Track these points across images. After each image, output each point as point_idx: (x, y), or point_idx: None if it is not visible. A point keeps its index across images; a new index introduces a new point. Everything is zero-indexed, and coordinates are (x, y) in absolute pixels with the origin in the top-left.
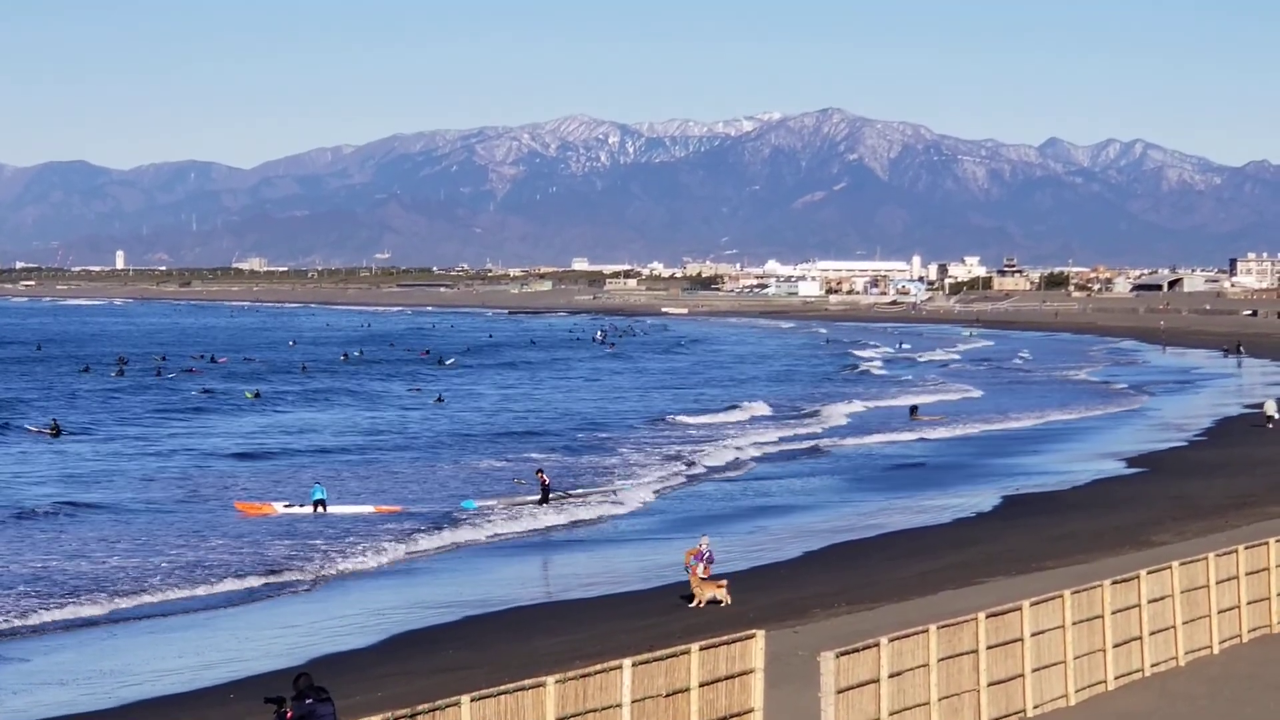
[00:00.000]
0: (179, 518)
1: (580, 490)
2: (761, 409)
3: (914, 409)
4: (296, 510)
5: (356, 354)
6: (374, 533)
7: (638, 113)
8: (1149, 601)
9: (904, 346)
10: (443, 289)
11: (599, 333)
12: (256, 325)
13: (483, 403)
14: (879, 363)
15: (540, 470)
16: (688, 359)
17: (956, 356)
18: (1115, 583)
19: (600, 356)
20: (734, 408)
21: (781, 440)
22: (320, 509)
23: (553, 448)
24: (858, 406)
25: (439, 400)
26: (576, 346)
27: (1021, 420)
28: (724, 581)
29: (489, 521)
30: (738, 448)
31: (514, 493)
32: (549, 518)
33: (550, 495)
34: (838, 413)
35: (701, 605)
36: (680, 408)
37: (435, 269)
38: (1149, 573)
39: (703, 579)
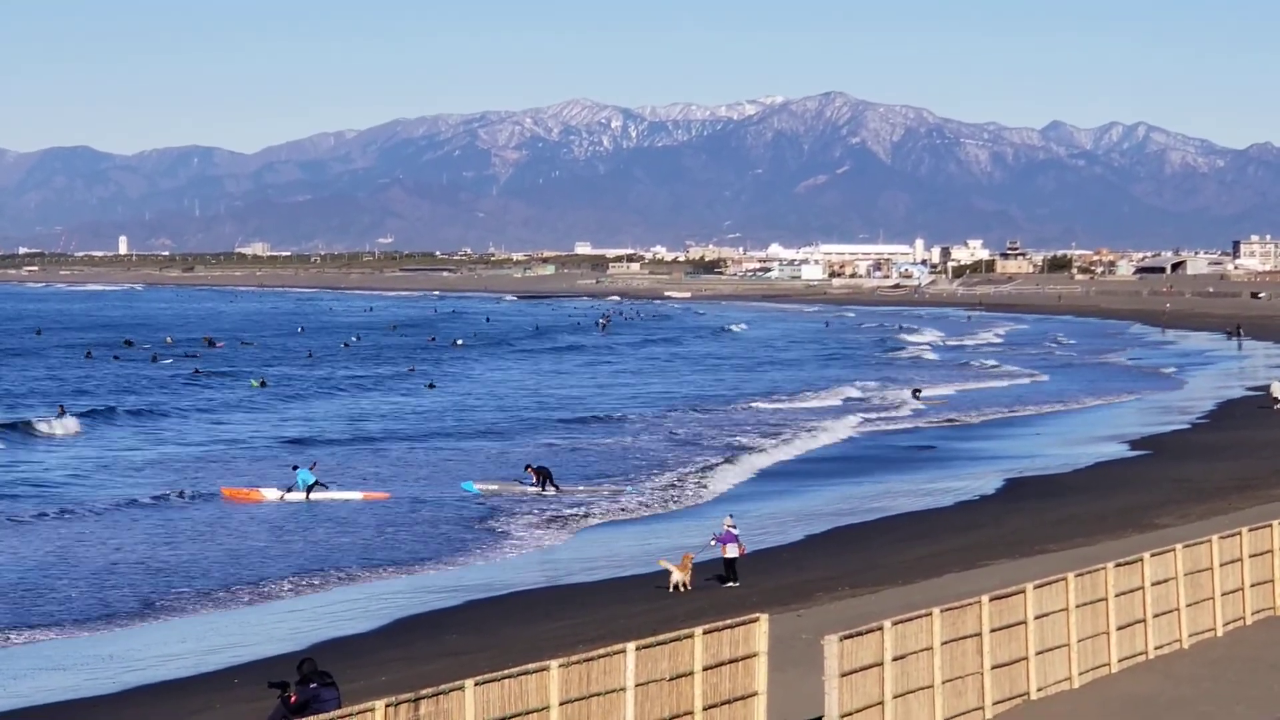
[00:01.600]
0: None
1: (584, 487)
2: (851, 392)
3: (917, 391)
4: (289, 497)
5: (355, 339)
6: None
7: (640, 96)
8: (1152, 584)
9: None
10: (445, 273)
11: (602, 319)
12: (273, 311)
13: (542, 387)
14: (928, 347)
15: (528, 465)
16: (738, 343)
17: (998, 340)
18: (1118, 565)
19: (653, 340)
20: (825, 390)
21: (882, 421)
22: (314, 493)
23: (670, 432)
24: (930, 391)
25: (430, 386)
26: (617, 331)
27: (1044, 404)
28: (690, 555)
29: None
30: (829, 433)
31: (516, 479)
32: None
33: (550, 483)
34: (911, 397)
35: (685, 589)
36: (769, 392)
37: (438, 253)
38: (1152, 555)
39: (728, 559)
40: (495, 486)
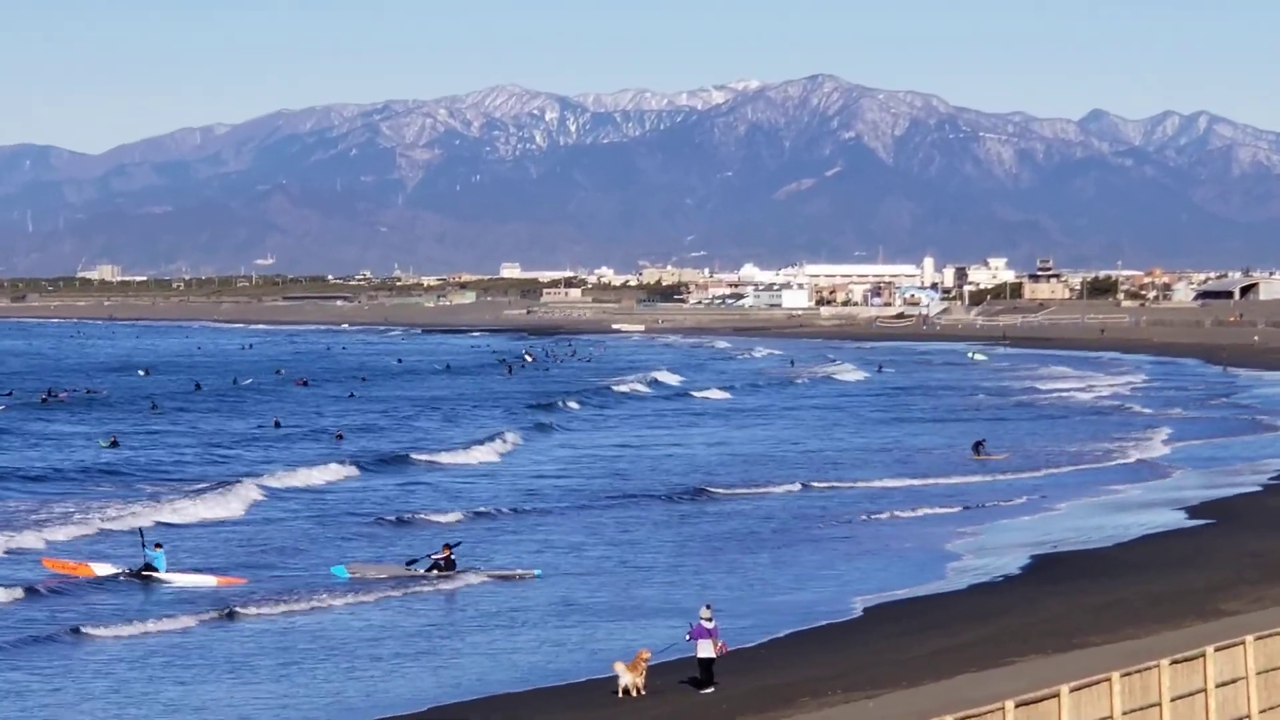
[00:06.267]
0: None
1: (484, 571)
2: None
3: (978, 445)
4: (119, 571)
5: (248, 382)
6: None
7: (581, 82)
8: (1217, 685)
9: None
10: (340, 302)
11: (525, 355)
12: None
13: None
14: (1111, 395)
15: (447, 544)
16: (842, 392)
17: (1144, 383)
18: (1175, 662)
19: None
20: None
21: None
22: (147, 572)
23: None
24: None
25: (331, 431)
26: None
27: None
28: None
29: None
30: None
31: (401, 561)
32: None
33: (441, 568)
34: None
35: (639, 694)
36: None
37: (331, 277)
38: (1217, 649)
39: (703, 658)
40: (374, 572)
